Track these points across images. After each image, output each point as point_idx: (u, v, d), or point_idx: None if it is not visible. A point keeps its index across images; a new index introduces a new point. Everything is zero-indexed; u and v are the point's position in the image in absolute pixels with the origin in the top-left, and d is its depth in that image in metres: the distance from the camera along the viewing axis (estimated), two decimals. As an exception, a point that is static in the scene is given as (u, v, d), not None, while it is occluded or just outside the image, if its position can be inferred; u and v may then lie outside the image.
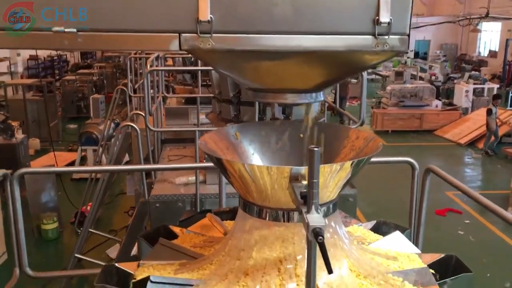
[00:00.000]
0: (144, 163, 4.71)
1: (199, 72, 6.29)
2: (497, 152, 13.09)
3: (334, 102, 5.63)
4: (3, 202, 2.89)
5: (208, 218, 2.17)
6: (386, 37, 1.41)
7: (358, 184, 4.62)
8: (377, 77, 25.66)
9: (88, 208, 7.01)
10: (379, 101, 18.21)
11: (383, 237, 2.01)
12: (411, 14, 1.43)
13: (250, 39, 1.41)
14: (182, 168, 4.19)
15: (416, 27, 22.93)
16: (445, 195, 9.28)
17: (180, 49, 1.40)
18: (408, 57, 29.27)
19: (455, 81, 20.48)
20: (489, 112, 13.13)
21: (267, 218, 1.61)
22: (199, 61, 7.33)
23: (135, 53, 8.38)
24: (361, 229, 2.12)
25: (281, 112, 2.26)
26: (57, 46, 1.39)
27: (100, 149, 8.43)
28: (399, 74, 19.16)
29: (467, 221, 8.58)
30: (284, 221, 1.59)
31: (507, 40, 26.42)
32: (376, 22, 1.39)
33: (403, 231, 2.07)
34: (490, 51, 30.07)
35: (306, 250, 1.23)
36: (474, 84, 18.51)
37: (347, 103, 17.25)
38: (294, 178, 1.44)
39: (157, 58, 6.76)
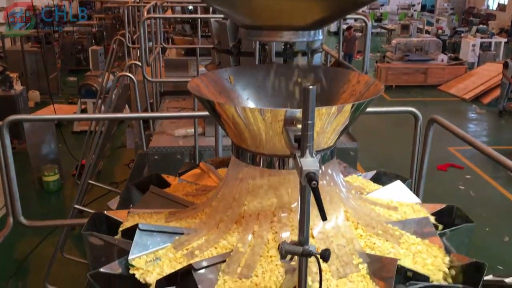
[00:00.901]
0: (142, 114, 4.61)
1: (199, 21, 6.09)
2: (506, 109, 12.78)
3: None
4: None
5: (202, 167, 2.10)
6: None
7: (359, 138, 4.54)
8: (382, 30, 25.07)
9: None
10: (384, 55, 17.82)
11: (383, 186, 1.95)
12: None
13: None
14: (179, 116, 4.09)
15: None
16: (447, 151, 9.20)
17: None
18: (414, 10, 28.56)
19: (462, 35, 20.00)
20: (505, 65, 12.71)
21: (261, 165, 1.52)
22: (199, 10, 7.13)
23: (133, 2, 8.12)
24: (360, 179, 2.05)
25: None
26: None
27: (99, 102, 8.31)
28: (405, 28, 18.70)
29: (468, 176, 8.55)
30: (278, 168, 1.51)
31: (517, -8, 25.70)
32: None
33: (403, 181, 2.01)
34: (499, 4, 29.26)
35: (299, 196, 1.16)
36: (481, 38, 18.07)
37: (355, 58, 16.82)
38: (289, 122, 1.34)
39: (155, 7, 6.53)
